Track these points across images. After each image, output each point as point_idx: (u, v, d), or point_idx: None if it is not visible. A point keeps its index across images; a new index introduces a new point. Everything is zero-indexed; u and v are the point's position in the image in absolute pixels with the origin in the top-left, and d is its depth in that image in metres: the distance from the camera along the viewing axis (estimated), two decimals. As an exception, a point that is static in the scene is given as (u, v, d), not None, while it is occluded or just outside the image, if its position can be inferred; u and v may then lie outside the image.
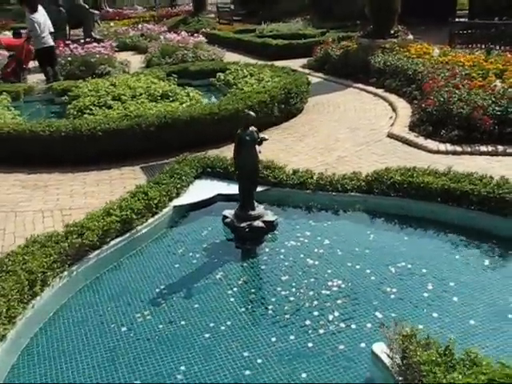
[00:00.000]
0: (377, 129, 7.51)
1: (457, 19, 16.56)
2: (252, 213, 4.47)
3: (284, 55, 14.12)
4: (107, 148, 6.73)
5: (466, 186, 4.41)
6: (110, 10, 31.85)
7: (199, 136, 7.10)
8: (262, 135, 4.35)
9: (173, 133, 6.92)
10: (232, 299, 3.66)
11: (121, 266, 4.17)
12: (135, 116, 7.11)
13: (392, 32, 11.53)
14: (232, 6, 27.31)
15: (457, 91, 7.11)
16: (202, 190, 5.27)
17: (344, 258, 4.09)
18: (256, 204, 4.58)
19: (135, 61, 14.65)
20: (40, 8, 11.46)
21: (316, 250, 4.24)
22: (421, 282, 3.73)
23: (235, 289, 3.79)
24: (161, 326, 3.40)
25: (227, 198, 5.11)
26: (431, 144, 6.61)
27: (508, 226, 4.18)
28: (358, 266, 3.96)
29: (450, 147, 6.48)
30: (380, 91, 9.65)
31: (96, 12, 16.46)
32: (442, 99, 7.05)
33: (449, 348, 2.44)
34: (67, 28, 15.66)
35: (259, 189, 5.10)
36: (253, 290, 3.77)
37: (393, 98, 9.04)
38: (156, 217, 4.63)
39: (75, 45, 13.55)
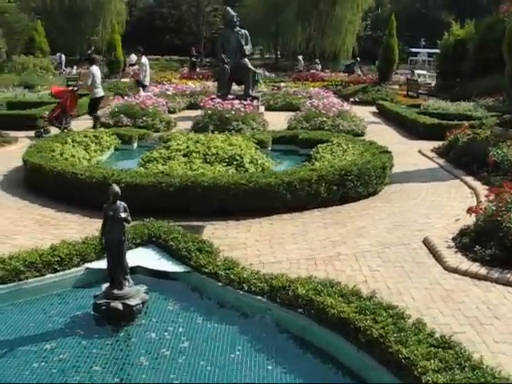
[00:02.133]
0: (424, 230, 6.43)
1: None
2: (115, 292, 4.10)
3: (432, 135, 13.05)
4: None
5: (363, 321, 3.47)
6: (317, 70, 33.21)
7: (223, 205, 6.87)
8: (125, 215, 3.95)
9: (194, 196, 6.80)
10: None
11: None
12: (166, 175, 7.15)
13: (533, 123, 9.96)
14: (429, 80, 26.43)
15: (517, 201, 5.77)
16: (135, 258, 5.02)
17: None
18: (131, 283, 4.21)
19: (275, 120, 14.86)
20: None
21: (162, 350, 3.74)
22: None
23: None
24: None
25: (149, 272, 4.83)
26: (454, 259, 5.41)
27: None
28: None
29: (474, 268, 5.23)
30: (482, 187, 8.31)
31: (259, 71, 17.14)
32: (493, 208, 5.78)
33: None
34: (230, 84, 16.53)
35: (181, 270, 4.75)
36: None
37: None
38: (57, 274, 4.55)
39: (219, 100, 14.28)
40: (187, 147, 8.84)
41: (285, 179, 6.98)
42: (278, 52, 68.79)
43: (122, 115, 14.02)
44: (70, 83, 24.04)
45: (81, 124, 14.06)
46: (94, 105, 13.53)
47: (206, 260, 4.68)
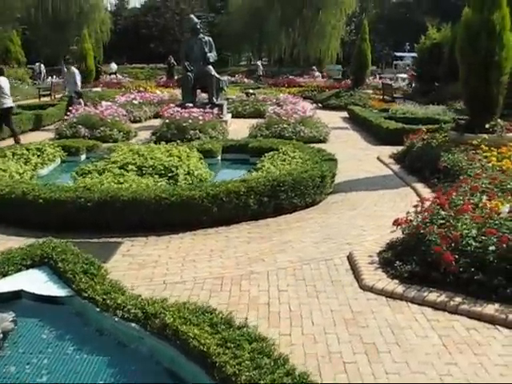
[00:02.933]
0: (354, 243, 6.05)
1: None
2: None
3: (395, 140, 12.68)
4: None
5: (222, 356, 3.07)
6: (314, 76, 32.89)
7: (144, 220, 6.49)
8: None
9: (113, 212, 6.42)
10: None
11: None
12: (87, 189, 6.76)
13: (487, 126, 9.59)
14: (405, 83, 26.13)
15: (442, 212, 5.40)
16: (22, 281, 4.64)
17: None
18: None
19: (239, 128, 14.50)
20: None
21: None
22: None
23: None
24: None
25: (35, 296, 4.45)
26: (372, 276, 5.02)
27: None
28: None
29: (391, 286, 4.84)
30: (430, 195, 7.94)
31: (223, 78, 16.74)
32: (418, 219, 5.42)
33: None
34: (195, 92, 16.17)
35: (65, 294, 4.36)
36: None
37: (430, 206, 7.33)
38: None
39: (178, 108, 13.91)
40: (124, 159, 8.46)
41: (210, 192, 6.59)
42: (262, 59, 68.64)
43: (79, 126, 13.64)
44: (41, 93, 23.73)
45: (38, 136, 13.73)
46: (5, 117, 12.97)
47: (87, 284, 4.28)
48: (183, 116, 13.12)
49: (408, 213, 5.67)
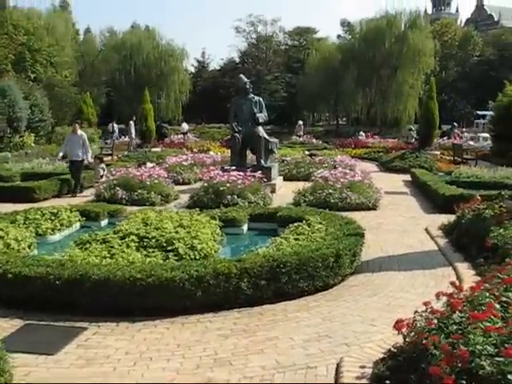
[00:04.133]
0: (353, 344, 4.91)
1: None
2: None
3: (451, 208, 11.30)
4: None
5: None
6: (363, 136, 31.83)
7: (118, 302, 5.68)
8: None
9: (82, 292, 5.67)
10: None
11: None
12: (61, 265, 6.06)
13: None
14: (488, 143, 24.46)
15: (456, 313, 4.18)
16: None
17: None
18: None
19: (289, 192, 13.60)
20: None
21: None
22: None
23: None
24: None
25: None
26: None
27: None
28: None
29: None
30: (473, 279, 6.64)
31: (273, 140, 16.04)
32: (422, 323, 4.24)
33: None
34: (243, 154, 15.60)
35: None
36: None
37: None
38: None
39: (218, 171, 13.32)
40: (128, 229, 7.78)
41: (194, 273, 5.70)
42: (339, 119, 68.20)
43: (117, 188, 13.30)
44: (103, 153, 24.12)
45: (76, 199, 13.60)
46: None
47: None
48: (222, 180, 12.46)
49: (416, 312, 4.49)
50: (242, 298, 5.91)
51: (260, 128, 15.53)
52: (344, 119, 69.49)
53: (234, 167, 13.89)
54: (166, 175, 14.13)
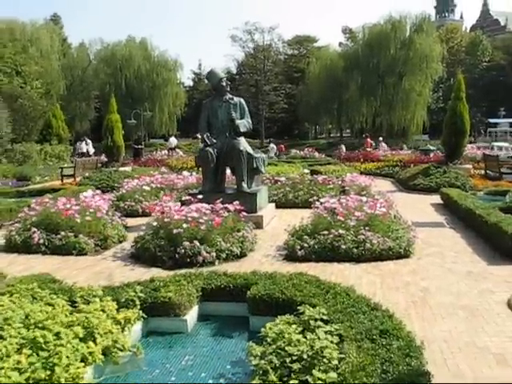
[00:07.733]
0: None
1: None
2: None
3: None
4: None
5: None
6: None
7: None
8: None
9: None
10: None
11: None
12: None
13: None
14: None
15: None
16: None
17: None
18: None
19: (283, 226, 9.48)
20: None
21: None
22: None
23: None
24: None
25: None
26: None
27: None
28: None
29: None
30: None
31: (259, 155, 11.82)
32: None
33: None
34: (219, 174, 11.45)
35: None
36: None
37: None
38: None
39: (173, 204, 9.16)
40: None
41: None
42: (343, 130, 64.42)
43: (34, 229, 9.19)
44: (63, 174, 20.13)
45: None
46: None
47: None
48: (177, 217, 8.31)
49: None
50: None
51: (241, 140, 11.38)
52: (348, 131, 65.68)
53: (201, 195, 9.75)
54: (105, 208, 9.92)
